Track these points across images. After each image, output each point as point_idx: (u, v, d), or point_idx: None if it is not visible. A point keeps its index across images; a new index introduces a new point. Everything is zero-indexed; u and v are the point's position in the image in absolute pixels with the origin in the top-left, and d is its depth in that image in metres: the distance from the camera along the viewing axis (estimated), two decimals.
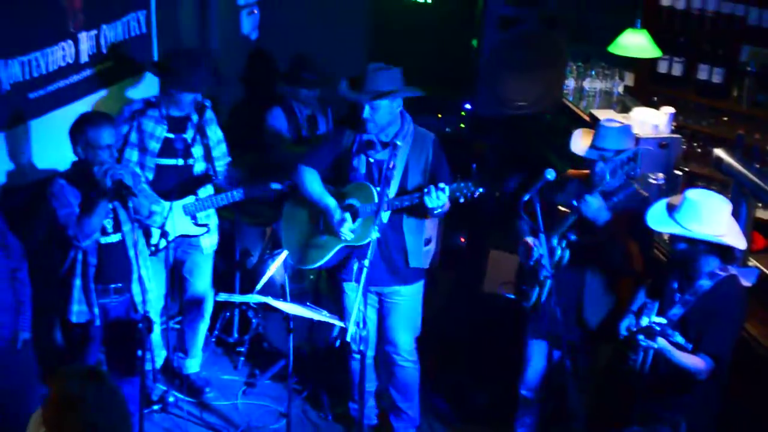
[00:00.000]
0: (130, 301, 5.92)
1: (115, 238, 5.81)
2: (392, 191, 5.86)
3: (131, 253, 5.83)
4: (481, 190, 5.72)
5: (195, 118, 6.61)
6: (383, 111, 5.79)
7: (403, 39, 9.26)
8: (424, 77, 8.84)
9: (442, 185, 5.66)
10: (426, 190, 5.68)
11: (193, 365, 7.07)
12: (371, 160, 5.96)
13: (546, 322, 5.85)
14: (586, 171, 5.81)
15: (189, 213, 6.61)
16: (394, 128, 5.89)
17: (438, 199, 5.67)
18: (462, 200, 5.76)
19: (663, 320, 5.05)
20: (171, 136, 6.56)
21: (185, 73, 6.42)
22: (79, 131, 5.67)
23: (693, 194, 5.13)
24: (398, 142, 5.76)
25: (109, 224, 5.76)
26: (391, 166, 5.72)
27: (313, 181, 6.07)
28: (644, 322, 5.08)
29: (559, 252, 5.75)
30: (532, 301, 5.90)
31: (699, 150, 7.34)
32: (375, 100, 5.74)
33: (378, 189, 5.79)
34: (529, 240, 5.88)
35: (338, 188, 6.08)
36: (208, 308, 6.96)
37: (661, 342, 4.98)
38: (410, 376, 6.43)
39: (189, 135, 6.60)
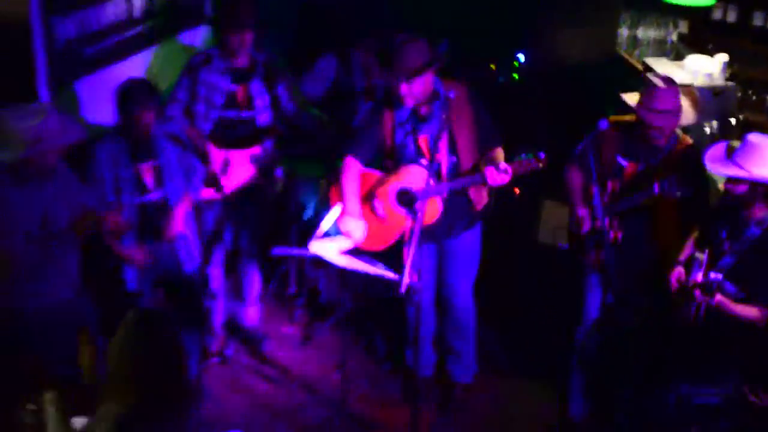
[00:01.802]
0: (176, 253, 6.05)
1: (155, 196, 5.92)
2: (444, 159, 5.87)
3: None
4: (541, 156, 5.71)
5: (259, 68, 6.61)
6: (418, 84, 5.77)
7: None
8: (476, 28, 8.85)
9: (504, 167, 5.65)
10: (486, 171, 5.69)
11: (250, 316, 7.13)
12: (417, 136, 5.97)
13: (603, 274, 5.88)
14: (627, 117, 5.79)
15: (255, 162, 6.67)
16: (425, 93, 5.87)
17: (502, 180, 5.68)
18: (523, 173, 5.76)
19: (719, 275, 5.04)
20: (234, 88, 6.56)
21: (232, 10, 6.38)
22: (123, 103, 5.73)
23: (755, 137, 5.08)
24: (451, 96, 5.74)
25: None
26: (444, 118, 5.72)
27: (350, 179, 6.07)
28: (699, 276, 5.07)
29: (611, 234, 5.76)
30: (590, 263, 5.94)
31: (754, 98, 7.25)
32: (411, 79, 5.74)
33: (427, 162, 5.80)
34: (580, 213, 5.93)
35: (388, 173, 6.09)
36: (261, 251, 6.95)
37: (719, 297, 4.99)
38: (469, 317, 6.46)
39: (253, 86, 6.60)
